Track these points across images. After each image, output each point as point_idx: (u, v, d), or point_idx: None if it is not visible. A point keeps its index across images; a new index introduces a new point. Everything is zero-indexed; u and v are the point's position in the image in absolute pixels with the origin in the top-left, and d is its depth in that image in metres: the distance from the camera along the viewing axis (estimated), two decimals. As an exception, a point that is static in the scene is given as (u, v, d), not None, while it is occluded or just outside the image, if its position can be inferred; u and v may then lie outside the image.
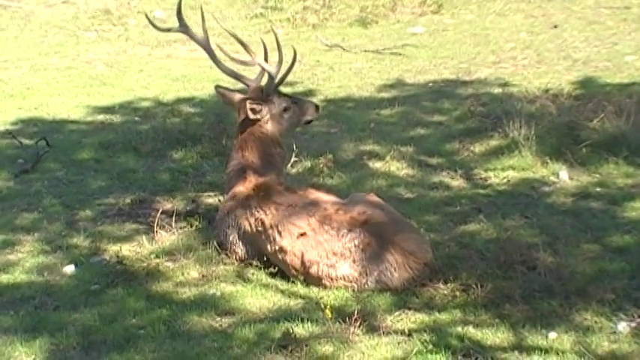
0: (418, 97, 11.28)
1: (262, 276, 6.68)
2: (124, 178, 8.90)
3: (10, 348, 5.78)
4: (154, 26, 8.00)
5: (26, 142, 9.92)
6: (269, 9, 16.52)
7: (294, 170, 8.66)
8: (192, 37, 7.58)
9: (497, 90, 11.16)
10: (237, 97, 7.42)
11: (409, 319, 5.93)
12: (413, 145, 9.36)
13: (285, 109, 7.33)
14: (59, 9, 17.08)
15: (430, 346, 5.55)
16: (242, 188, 7.03)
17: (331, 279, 6.38)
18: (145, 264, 6.85)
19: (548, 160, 8.66)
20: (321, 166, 8.76)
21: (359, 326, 5.75)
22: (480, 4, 16.29)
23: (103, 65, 13.70)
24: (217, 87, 7.67)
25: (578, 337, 5.58)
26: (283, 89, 7.56)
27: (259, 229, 6.72)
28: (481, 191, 8.25)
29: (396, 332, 5.75)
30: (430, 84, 11.96)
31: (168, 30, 8.16)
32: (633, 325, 5.68)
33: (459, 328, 5.75)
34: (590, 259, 6.59)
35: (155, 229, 7.34)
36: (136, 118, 10.93)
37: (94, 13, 16.74)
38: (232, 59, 7.65)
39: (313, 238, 6.43)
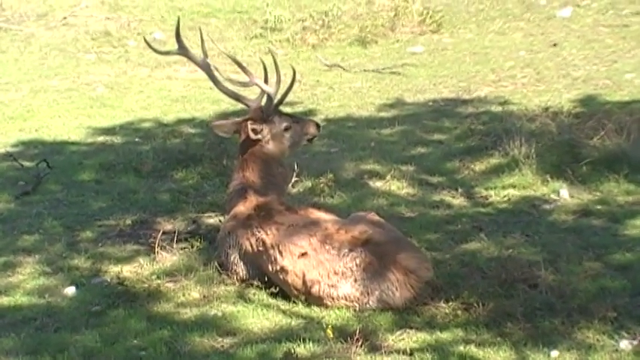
0: (418, 116, 11.30)
1: (263, 296, 6.67)
2: (124, 199, 8.90)
3: (11, 370, 5.79)
4: (153, 49, 7.99)
5: (27, 163, 9.93)
6: (268, 29, 16.58)
7: (294, 190, 8.66)
8: (191, 59, 7.59)
9: (497, 108, 11.18)
10: (237, 120, 7.43)
11: (411, 339, 5.92)
12: (413, 164, 9.37)
13: (286, 129, 7.34)
14: (59, 31, 17.13)
15: (432, 366, 5.56)
16: (243, 208, 7.03)
17: (332, 299, 6.38)
18: (146, 285, 6.84)
19: (549, 178, 8.67)
20: (322, 185, 8.77)
21: (360, 346, 5.73)
22: (479, 23, 16.34)
23: (103, 87, 13.73)
24: (210, 124, 7.67)
25: (580, 356, 5.57)
26: (283, 109, 7.57)
27: (260, 249, 6.72)
28: (482, 210, 8.25)
29: (397, 352, 5.74)
30: (430, 103, 11.98)
31: (167, 53, 8.19)
32: (635, 342, 5.66)
33: (461, 347, 5.74)
34: (592, 277, 6.58)
35: (156, 250, 7.34)
36: (137, 139, 10.94)
37: (94, 35, 16.79)
38: (230, 81, 7.67)
39: (314, 257, 6.43)
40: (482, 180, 8.93)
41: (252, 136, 7.20)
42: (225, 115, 11.25)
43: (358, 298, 6.34)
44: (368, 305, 6.33)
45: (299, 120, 7.58)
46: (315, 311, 6.40)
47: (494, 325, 5.98)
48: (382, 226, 6.69)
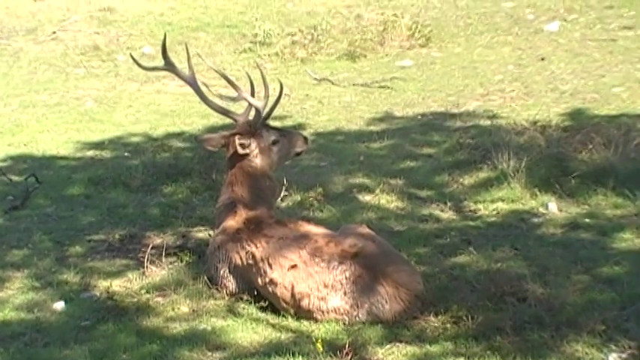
0: (407, 130, 11.31)
1: (253, 310, 6.67)
2: (114, 213, 8.89)
3: (0, 385, 5.77)
4: (139, 65, 7.95)
5: (16, 178, 9.92)
6: (257, 44, 16.59)
7: (284, 204, 8.67)
8: (178, 74, 7.58)
9: (485, 122, 11.19)
10: (224, 134, 7.43)
11: (400, 352, 5.92)
12: (402, 178, 9.38)
13: (274, 142, 7.34)
14: (48, 46, 17.13)
15: (422, 379, 5.56)
16: (232, 222, 7.03)
17: (322, 312, 6.37)
18: (136, 299, 6.83)
19: (538, 192, 8.68)
20: (311, 199, 8.77)
21: (350, 359, 5.73)
22: (468, 37, 16.38)
23: (92, 101, 13.72)
24: (196, 138, 7.68)
25: (569, 369, 5.59)
26: (272, 123, 7.58)
27: (250, 262, 6.72)
28: (471, 223, 8.26)
29: (387, 365, 5.75)
30: (419, 117, 11.99)
31: (154, 69, 8.20)
32: (624, 356, 5.68)
33: (451, 360, 5.75)
34: (581, 290, 6.58)
35: (145, 265, 7.34)
36: (126, 154, 10.93)
37: (83, 49, 16.78)
38: (218, 96, 7.68)
39: (304, 270, 6.43)
40: (471, 194, 8.94)
41: (240, 150, 7.20)
42: (214, 129, 11.26)
43: (348, 311, 6.34)
44: (357, 318, 6.33)
45: (287, 134, 7.59)
46: (305, 325, 6.39)
47: (483, 338, 5.98)
48: (372, 239, 6.69)
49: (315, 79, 14.45)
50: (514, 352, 5.78)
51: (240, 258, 6.79)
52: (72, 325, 6.59)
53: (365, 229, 6.86)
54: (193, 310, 6.71)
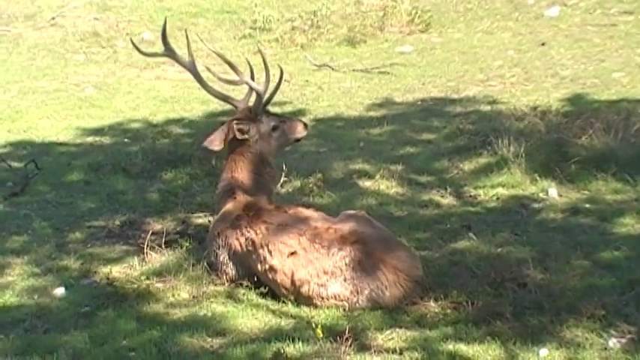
0: (407, 116, 11.31)
1: (253, 296, 6.67)
2: (113, 199, 8.88)
3: (0, 371, 5.77)
4: (140, 51, 7.92)
5: (15, 164, 9.91)
6: (257, 29, 16.59)
7: (283, 190, 8.66)
8: (178, 60, 7.56)
9: (485, 108, 11.20)
10: (223, 127, 7.37)
11: (400, 338, 5.92)
12: (402, 164, 9.37)
13: (274, 128, 7.32)
14: (47, 32, 17.10)
15: (421, 364, 5.56)
16: (232, 208, 7.02)
17: (322, 298, 6.37)
18: (136, 285, 6.82)
19: (538, 177, 8.68)
20: (311, 185, 8.76)
21: (350, 345, 5.72)
22: (468, 22, 16.36)
23: (91, 87, 13.71)
24: (200, 146, 7.62)
25: (569, 354, 5.57)
26: (272, 109, 7.57)
27: (249, 248, 6.71)
28: (471, 209, 8.26)
29: (387, 351, 5.74)
30: (419, 102, 11.99)
31: (154, 54, 8.17)
32: (624, 341, 5.68)
33: (450, 346, 5.74)
34: (581, 276, 6.59)
35: (145, 251, 7.33)
36: (126, 140, 10.93)
37: (83, 35, 16.77)
38: (220, 79, 7.66)
39: (304, 257, 6.42)
40: (471, 179, 8.94)
41: (239, 135, 7.18)
42: (213, 116, 11.29)
43: (348, 298, 6.34)
44: (358, 304, 6.33)
45: (286, 120, 7.57)
46: (305, 311, 6.39)
47: (483, 323, 5.98)
48: (372, 225, 6.68)
49: (315, 65, 14.44)
50: (514, 337, 5.77)
51: (240, 244, 6.79)
52: (72, 311, 6.58)
53: (364, 216, 6.85)
54: (193, 296, 6.71)
